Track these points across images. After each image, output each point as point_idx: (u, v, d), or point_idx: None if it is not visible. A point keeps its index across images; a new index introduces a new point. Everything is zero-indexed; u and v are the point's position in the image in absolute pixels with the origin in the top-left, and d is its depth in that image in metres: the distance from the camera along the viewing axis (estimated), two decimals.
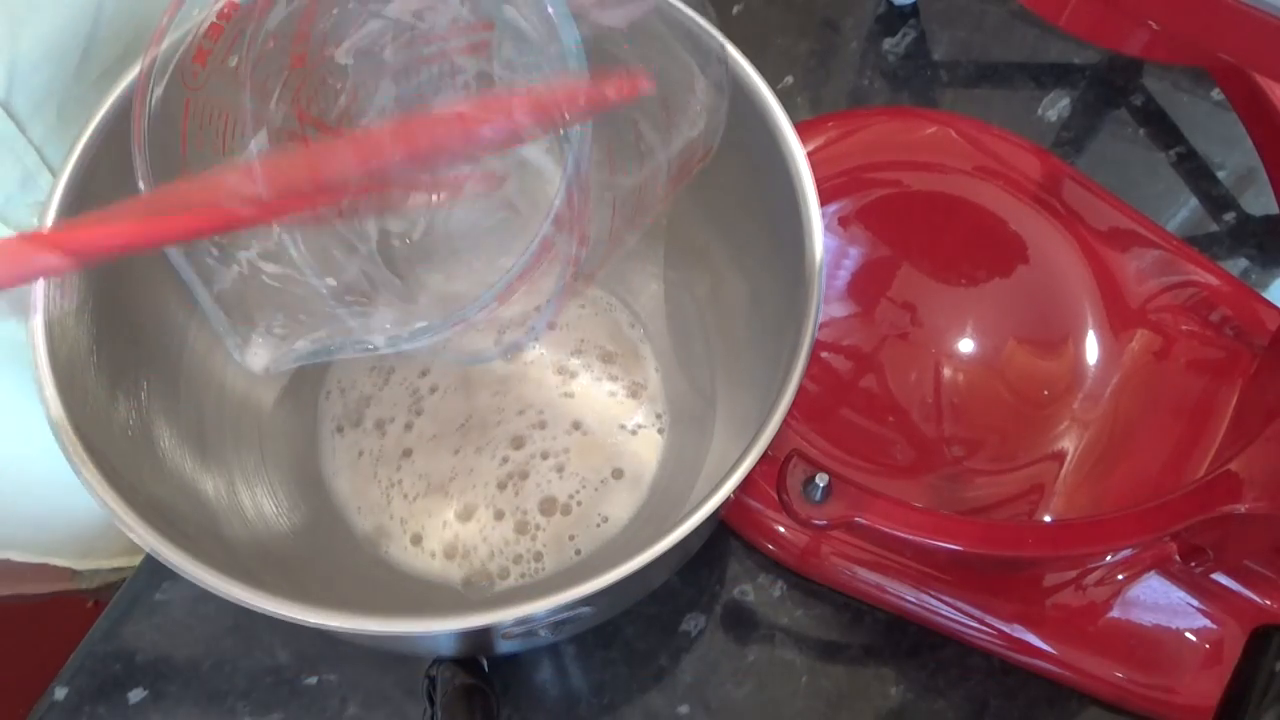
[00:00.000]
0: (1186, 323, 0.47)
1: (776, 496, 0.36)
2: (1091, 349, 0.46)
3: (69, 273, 0.31)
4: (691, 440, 0.44)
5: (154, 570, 0.45)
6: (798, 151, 0.34)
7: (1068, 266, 0.47)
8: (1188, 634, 0.42)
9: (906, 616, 0.44)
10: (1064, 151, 0.54)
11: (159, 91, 0.28)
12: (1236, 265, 0.52)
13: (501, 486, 0.44)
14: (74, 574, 0.56)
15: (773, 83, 0.34)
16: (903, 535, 0.36)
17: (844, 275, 0.48)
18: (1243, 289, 0.47)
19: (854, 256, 0.48)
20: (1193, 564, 0.41)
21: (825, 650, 0.44)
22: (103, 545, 0.56)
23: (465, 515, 0.44)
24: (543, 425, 0.45)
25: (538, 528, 0.43)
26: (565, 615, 0.30)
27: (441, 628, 0.29)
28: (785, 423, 0.30)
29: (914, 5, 0.57)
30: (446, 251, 0.33)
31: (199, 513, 0.36)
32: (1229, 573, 0.42)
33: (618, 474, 0.44)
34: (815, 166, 0.34)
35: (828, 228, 0.48)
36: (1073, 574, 0.43)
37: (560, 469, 0.44)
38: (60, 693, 0.43)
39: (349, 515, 0.43)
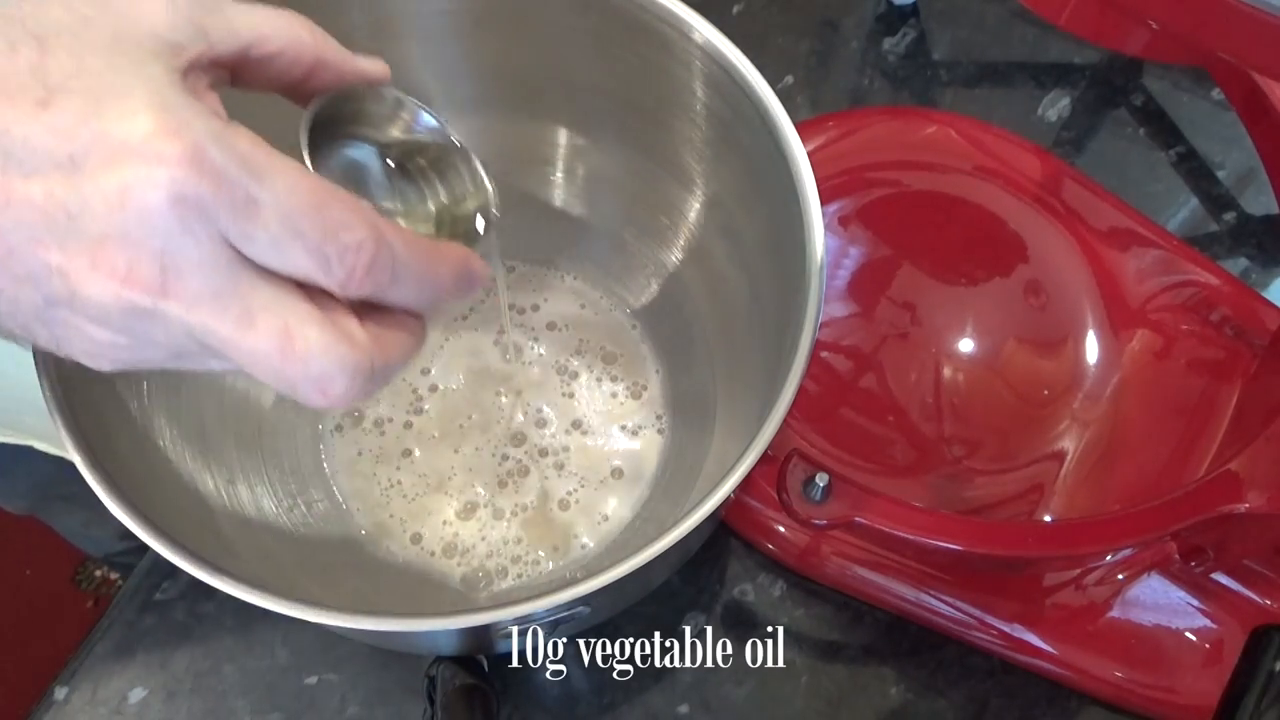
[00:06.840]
0: (1186, 323, 0.47)
1: (776, 496, 0.36)
2: (1091, 349, 0.46)
3: None
4: (691, 440, 0.44)
5: (154, 570, 0.45)
6: (798, 151, 0.34)
7: (1068, 266, 0.47)
8: (1188, 634, 0.42)
9: (906, 616, 0.44)
10: (1064, 151, 0.54)
11: None
12: (1236, 265, 0.52)
13: (501, 485, 0.44)
14: (74, 575, 0.56)
15: (773, 83, 0.34)
16: (903, 535, 0.36)
17: (844, 275, 0.48)
18: (1243, 289, 0.47)
19: (854, 256, 0.48)
20: (1193, 564, 0.41)
21: (825, 650, 0.44)
22: None
23: (465, 514, 0.44)
24: (543, 424, 0.45)
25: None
26: (564, 614, 0.30)
27: (441, 626, 0.29)
28: (785, 423, 0.30)
29: (914, 5, 0.57)
30: None
31: (199, 510, 0.36)
32: (1229, 573, 0.42)
33: (617, 473, 0.44)
34: (815, 166, 0.33)
35: (828, 227, 0.47)
36: (1073, 574, 0.43)
37: (560, 468, 0.44)
38: (60, 693, 0.43)
39: (349, 514, 0.43)
